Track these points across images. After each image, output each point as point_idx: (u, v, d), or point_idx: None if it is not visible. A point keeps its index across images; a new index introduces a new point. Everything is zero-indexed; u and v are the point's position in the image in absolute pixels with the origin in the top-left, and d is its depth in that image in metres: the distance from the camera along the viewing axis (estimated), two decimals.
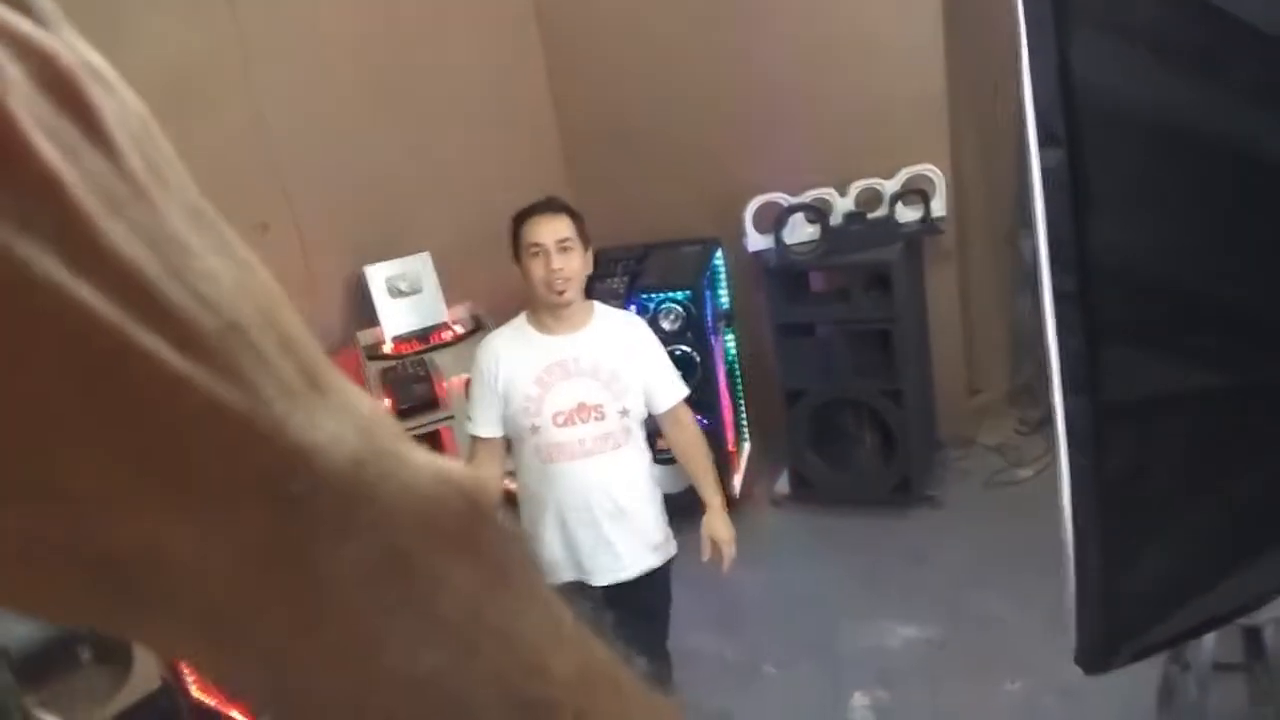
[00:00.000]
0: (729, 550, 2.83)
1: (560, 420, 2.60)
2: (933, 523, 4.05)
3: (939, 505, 4.12)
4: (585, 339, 2.65)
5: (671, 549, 2.82)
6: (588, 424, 2.61)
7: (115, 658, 3.10)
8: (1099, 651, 1.17)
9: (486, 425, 2.69)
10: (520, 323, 2.72)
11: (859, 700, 3.25)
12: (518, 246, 2.64)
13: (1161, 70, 1.03)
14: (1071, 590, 1.16)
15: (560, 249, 2.57)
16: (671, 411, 2.77)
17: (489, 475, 2.72)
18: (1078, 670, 3.23)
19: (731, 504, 4.21)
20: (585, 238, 2.65)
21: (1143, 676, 2.99)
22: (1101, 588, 1.13)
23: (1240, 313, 1.05)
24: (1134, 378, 1.10)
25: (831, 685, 3.33)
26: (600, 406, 2.61)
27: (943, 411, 4.45)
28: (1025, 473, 4.18)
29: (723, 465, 4.22)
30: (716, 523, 2.83)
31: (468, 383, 2.94)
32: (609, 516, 2.66)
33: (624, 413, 2.64)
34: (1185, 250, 1.05)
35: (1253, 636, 2.73)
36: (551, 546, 2.67)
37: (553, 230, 2.59)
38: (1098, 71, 1.03)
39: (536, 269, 2.58)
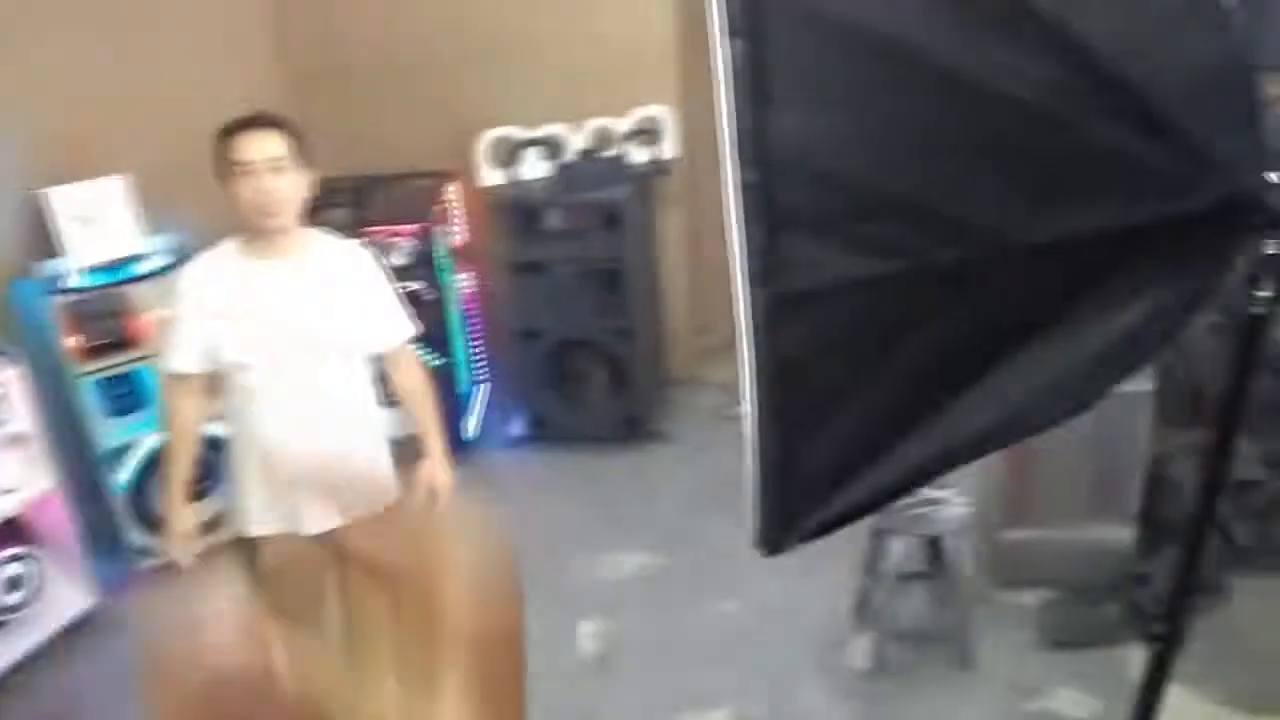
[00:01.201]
0: (445, 497, 2.66)
1: (274, 356, 2.38)
2: (661, 457, 4.17)
3: (668, 440, 4.25)
4: (300, 268, 2.41)
5: (396, 493, 2.62)
6: (304, 361, 2.40)
7: None
8: (775, 531, 1.22)
9: (184, 359, 2.41)
10: (227, 249, 2.42)
11: (586, 629, 3.30)
12: (222, 165, 2.35)
13: None
14: (750, 477, 1.19)
15: (272, 169, 2.32)
16: (396, 351, 2.59)
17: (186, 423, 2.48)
18: (785, 588, 3.44)
19: (466, 446, 4.15)
20: (303, 157, 2.41)
21: (841, 592, 3.23)
22: (777, 469, 1.18)
23: (907, 203, 1.10)
24: (809, 267, 1.13)
25: (560, 617, 3.36)
26: (318, 341, 2.40)
27: (672, 350, 4.58)
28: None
29: (457, 407, 4.15)
30: (437, 467, 2.63)
31: (168, 316, 2.66)
32: (327, 461, 2.46)
33: (342, 349, 2.46)
34: (859, 144, 1.09)
35: (933, 546, 3.00)
36: (261, 493, 2.47)
37: (263, 147, 2.33)
38: None
39: (244, 190, 2.31)
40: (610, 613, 3.36)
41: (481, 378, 4.54)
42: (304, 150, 2.43)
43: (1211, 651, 2.59)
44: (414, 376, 2.66)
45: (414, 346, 2.67)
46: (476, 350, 4.48)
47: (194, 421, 2.48)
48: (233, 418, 2.48)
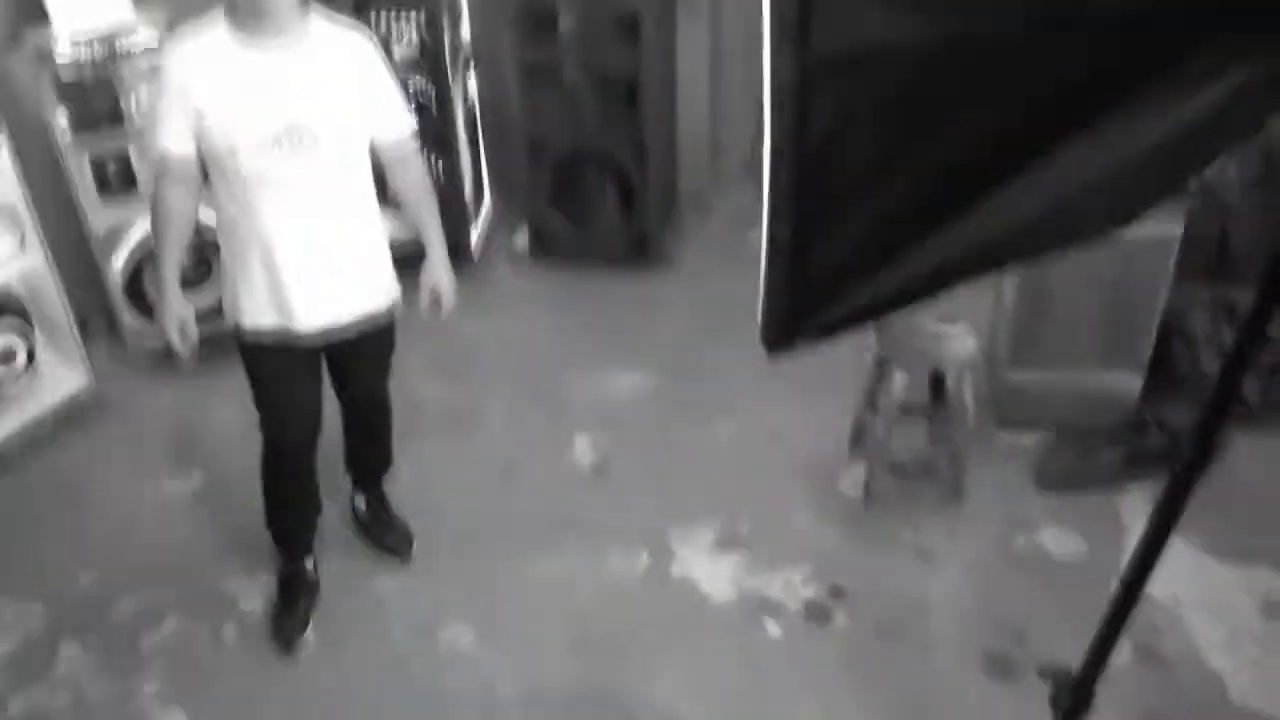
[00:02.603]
0: (448, 300, 2.63)
1: (267, 144, 2.24)
2: (666, 280, 4.09)
3: (674, 264, 4.16)
4: (298, 52, 2.25)
5: (395, 294, 2.60)
6: (298, 150, 2.27)
7: None
8: (783, 328, 1.14)
9: (172, 140, 2.27)
10: (219, 31, 2.25)
11: (581, 442, 3.31)
12: None
13: None
14: (763, 264, 1.11)
15: None
16: (397, 144, 2.46)
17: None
18: (783, 415, 3.42)
19: (468, 259, 4.06)
20: None
21: (838, 421, 3.21)
22: (790, 260, 1.09)
23: None
24: (847, 26, 1.01)
25: (556, 429, 3.36)
26: (313, 130, 2.27)
27: (685, 172, 4.43)
28: (756, 235, 4.27)
29: (459, 217, 4.03)
30: (438, 271, 2.59)
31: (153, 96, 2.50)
32: (323, 254, 2.38)
33: (341, 138, 2.32)
34: None
35: (937, 382, 2.96)
36: (255, 286, 2.38)
37: None
38: None
39: None
40: (607, 428, 3.35)
41: (486, 189, 4.41)
42: None
43: (1200, 503, 2.59)
44: (414, 174, 2.54)
45: (415, 144, 2.54)
46: (482, 158, 4.33)
47: (185, 207, 2.37)
48: (224, 205, 2.36)
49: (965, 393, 2.94)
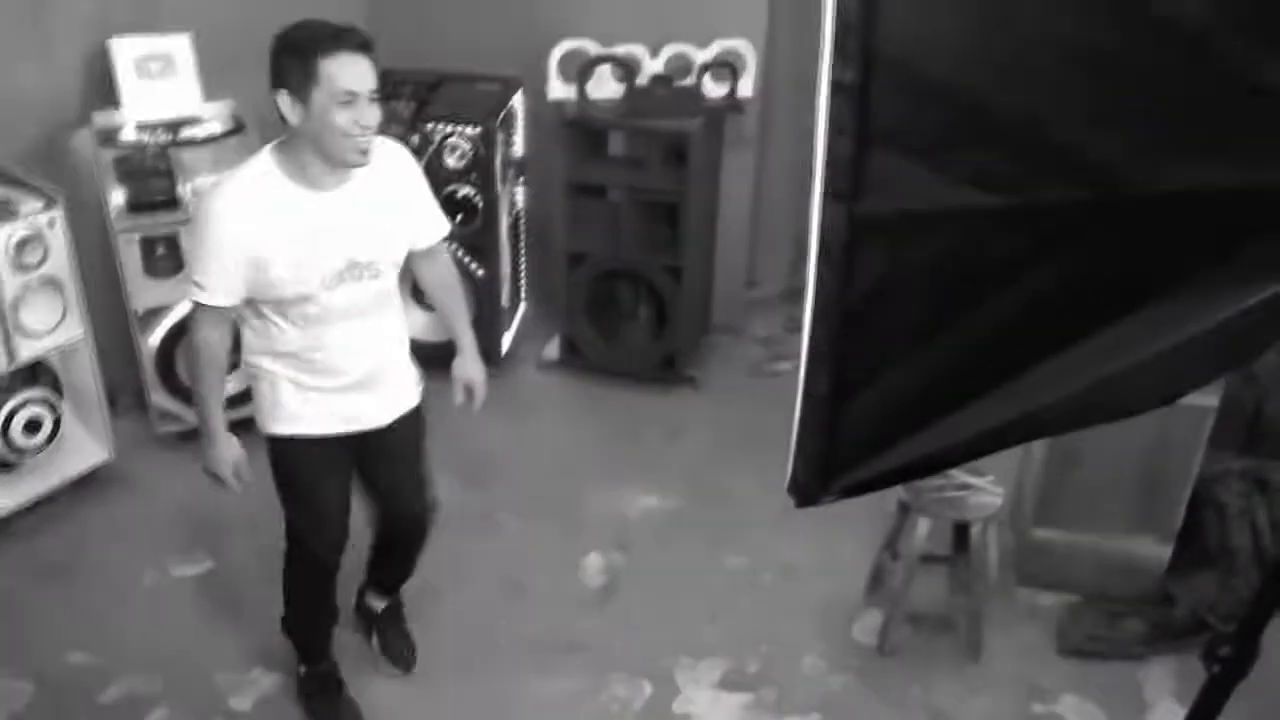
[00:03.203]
0: (480, 392, 2.63)
1: (332, 282, 2.22)
2: (691, 402, 4.08)
3: (700, 386, 4.15)
4: (356, 190, 2.21)
5: (421, 383, 2.57)
6: (360, 282, 2.26)
7: None
8: (812, 481, 1.12)
9: (227, 294, 2.18)
10: (272, 173, 2.16)
11: (593, 561, 3.25)
12: (309, 79, 2.04)
13: None
14: (795, 415, 1.09)
15: (372, 100, 2.09)
16: (431, 248, 2.47)
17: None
18: (799, 551, 3.36)
19: (498, 363, 4.09)
20: None
21: (855, 563, 3.14)
22: (825, 413, 1.07)
23: (1020, 129, 0.97)
24: (897, 190, 1.02)
25: (569, 545, 3.31)
26: (374, 263, 2.27)
27: (718, 296, 4.46)
28: (786, 365, 4.27)
29: (494, 321, 4.08)
30: (471, 364, 2.60)
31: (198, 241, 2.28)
32: (379, 369, 2.40)
33: (396, 264, 2.34)
34: (976, 48, 0.96)
35: (960, 533, 2.90)
36: (310, 405, 2.35)
37: (366, 77, 2.08)
38: None
39: (343, 120, 2.06)
40: (619, 548, 3.30)
41: (522, 296, 4.46)
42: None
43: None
44: (447, 271, 2.57)
45: (445, 242, 2.53)
46: (521, 265, 4.39)
47: (226, 346, 2.30)
48: (270, 334, 2.29)
49: (989, 547, 2.88)
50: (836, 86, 0.98)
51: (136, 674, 2.76)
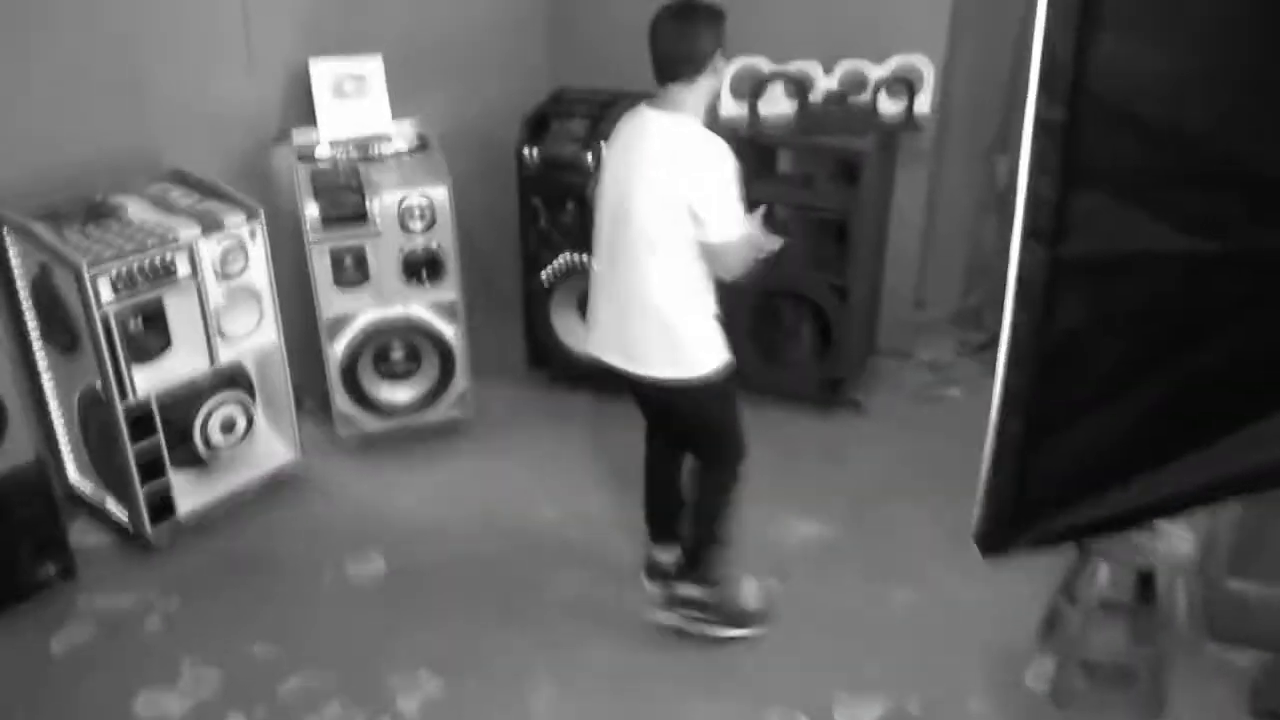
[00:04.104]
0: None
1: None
2: (856, 427, 3.99)
3: (865, 411, 4.05)
4: None
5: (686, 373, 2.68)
6: None
7: None
8: (1001, 530, 1.07)
9: None
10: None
11: (750, 586, 3.21)
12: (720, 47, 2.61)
13: None
14: (987, 457, 1.04)
15: None
16: None
17: None
18: (968, 588, 3.22)
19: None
20: None
21: (1028, 604, 2.98)
22: (1018, 459, 1.02)
23: (1242, 171, 0.90)
24: (1103, 231, 0.96)
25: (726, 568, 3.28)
26: None
27: (885, 318, 4.35)
28: (955, 392, 4.12)
29: None
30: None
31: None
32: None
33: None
34: (1195, 84, 0.89)
35: (1145, 579, 2.71)
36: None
37: None
38: None
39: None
40: (777, 575, 3.25)
41: None
42: None
43: None
44: None
45: None
46: None
47: None
48: (702, 271, 2.65)
49: (1177, 596, 2.69)
50: (1042, 125, 0.94)
51: (314, 668, 2.90)
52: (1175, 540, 2.66)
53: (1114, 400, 1.00)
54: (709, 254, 2.60)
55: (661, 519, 3.12)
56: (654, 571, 3.12)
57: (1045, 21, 0.93)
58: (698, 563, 3.01)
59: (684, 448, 3.00)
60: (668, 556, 3.11)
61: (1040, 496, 1.05)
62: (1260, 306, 0.98)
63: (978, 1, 3.88)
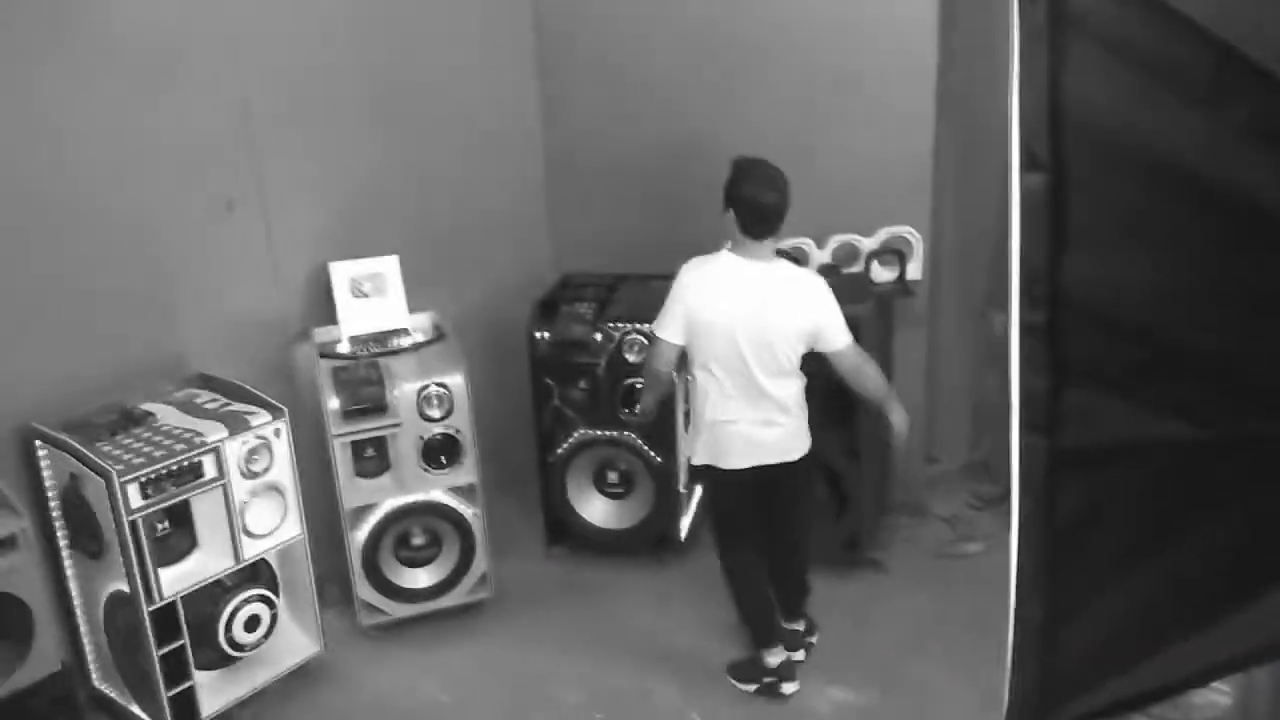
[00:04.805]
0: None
1: None
2: (877, 586, 3.98)
3: (885, 569, 4.05)
4: None
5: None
6: None
7: (14, 634, 2.95)
8: (1032, 712, 1.10)
9: None
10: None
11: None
12: None
13: (1161, 98, 0.97)
14: (1010, 641, 1.09)
15: None
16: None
17: None
18: None
19: (677, 549, 4.13)
20: (726, 197, 3.19)
21: None
22: (1040, 642, 1.07)
23: (1218, 365, 0.99)
24: (1096, 422, 1.04)
25: None
26: None
27: (899, 476, 4.40)
28: (974, 547, 4.13)
29: (672, 506, 4.14)
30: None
31: None
32: None
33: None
34: (1167, 294, 0.99)
35: None
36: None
37: None
38: (1092, 92, 0.97)
39: None
40: None
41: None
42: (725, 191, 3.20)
43: None
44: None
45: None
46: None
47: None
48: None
49: None
50: (1027, 328, 1.03)
51: None
52: (1213, 694, 2.63)
53: (1126, 580, 1.06)
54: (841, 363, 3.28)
55: (771, 619, 3.53)
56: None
57: (1020, 236, 1.03)
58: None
59: (786, 526, 3.52)
60: (776, 659, 3.47)
61: (1070, 675, 1.09)
62: (1258, 485, 1.05)
63: (959, 172, 4.11)
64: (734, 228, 3.17)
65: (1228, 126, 0.96)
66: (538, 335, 4.00)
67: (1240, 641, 1.04)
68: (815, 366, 3.34)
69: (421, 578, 3.83)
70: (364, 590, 3.74)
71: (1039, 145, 1.00)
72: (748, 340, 3.14)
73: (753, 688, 3.45)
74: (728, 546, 3.47)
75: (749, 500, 3.38)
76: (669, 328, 3.22)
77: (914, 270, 3.96)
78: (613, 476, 4.15)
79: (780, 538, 3.51)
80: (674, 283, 3.24)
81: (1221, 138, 0.97)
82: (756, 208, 3.12)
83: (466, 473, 3.74)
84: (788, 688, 3.44)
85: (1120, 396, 1.02)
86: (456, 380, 3.65)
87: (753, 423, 3.25)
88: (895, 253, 3.93)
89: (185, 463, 3.11)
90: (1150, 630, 1.06)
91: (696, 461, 3.40)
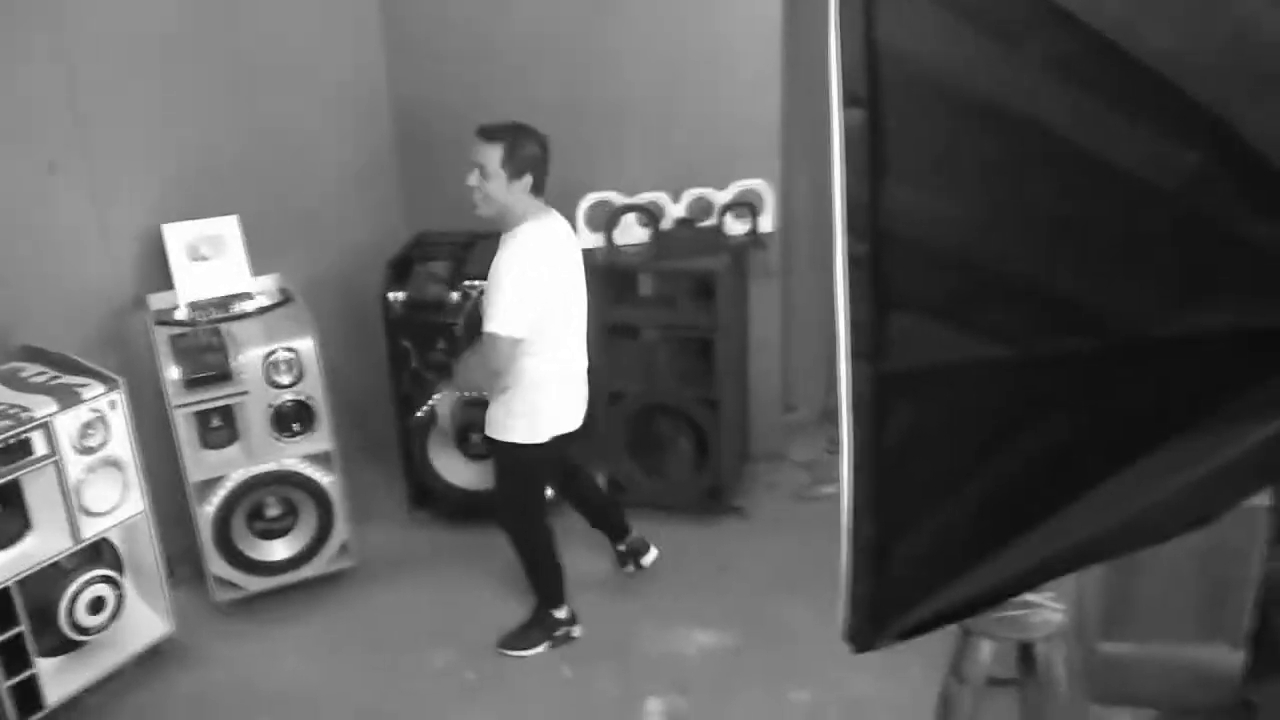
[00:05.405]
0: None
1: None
2: (739, 532, 4.08)
3: (746, 516, 4.16)
4: (499, 244, 3.16)
5: (495, 432, 3.28)
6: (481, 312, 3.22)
7: None
8: (867, 626, 1.15)
9: None
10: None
11: (653, 705, 3.21)
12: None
13: (967, 36, 1.01)
14: (844, 562, 1.13)
15: (479, 172, 3.08)
16: (484, 337, 3.12)
17: None
18: (865, 683, 3.31)
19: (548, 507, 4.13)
20: (517, 166, 3.06)
21: (923, 692, 3.07)
22: (872, 560, 1.11)
23: (1024, 288, 1.04)
24: (918, 348, 1.08)
25: (627, 689, 3.28)
26: (479, 302, 3.31)
27: (756, 425, 4.50)
28: (830, 489, 4.27)
29: None
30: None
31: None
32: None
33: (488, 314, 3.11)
34: (977, 222, 1.04)
35: (1025, 653, 2.84)
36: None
37: (477, 154, 3.09)
38: (905, 33, 1.00)
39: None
40: (679, 690, 3.26)
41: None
42: (518, 157, 3.06)
43: None
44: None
45: (490, 347, 3.09)
46: None
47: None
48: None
49: (1056, 664, 2.81)
50: (852, 260, 1.06)
51: None
52: (1048, 611, 2.80)
53: (951, 495, 1.11)
54: None
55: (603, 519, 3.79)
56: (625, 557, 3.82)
57: (842, 172, 1.05)
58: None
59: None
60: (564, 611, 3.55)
61: (899, 591, 1.14)
62: (1063, 403, 1.11)
63: (808, 128, 4.19)
64: (522, 195, 3.11)
65: (1028, 62, 1.00)
66: (391, 297, 3.91)
67: (1055, 545, 1.11)
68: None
69: (278, 549, 3.72)
70: (217, 565, 3.60)
71: (856, 82, 1.03)
72: (561, 302, 3.23)
73: (544, 646, 3.50)
74: (542, 513, 3.54)
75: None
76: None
77: (766, 223, 4.03)
78: (476, 438, 4.11)
79: (576, 470, 3.73)
80: (512, 268, 3.09)
81: (1023, 72, 1.01)
82: (545, 167, 3.16)
83: (321, 439, 3.64)
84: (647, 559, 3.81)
85: (940, 321, 1.06)
86: (306, 344, 3.53)
87: (575, 391, 3.42)
88: (748, 205, 3.99)
89: (12, 440, 2.93)
90: (976, 541, 1.12)
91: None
